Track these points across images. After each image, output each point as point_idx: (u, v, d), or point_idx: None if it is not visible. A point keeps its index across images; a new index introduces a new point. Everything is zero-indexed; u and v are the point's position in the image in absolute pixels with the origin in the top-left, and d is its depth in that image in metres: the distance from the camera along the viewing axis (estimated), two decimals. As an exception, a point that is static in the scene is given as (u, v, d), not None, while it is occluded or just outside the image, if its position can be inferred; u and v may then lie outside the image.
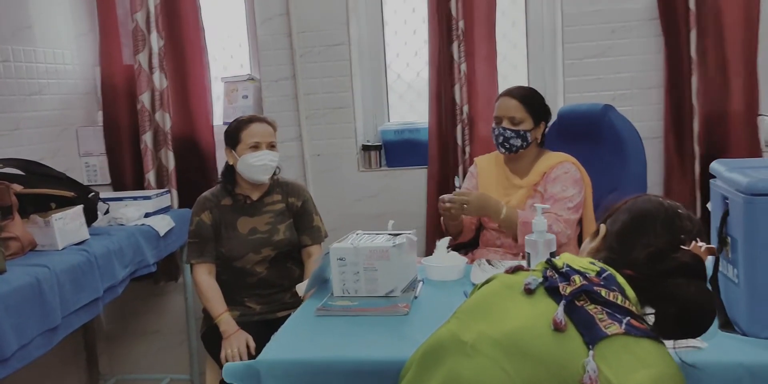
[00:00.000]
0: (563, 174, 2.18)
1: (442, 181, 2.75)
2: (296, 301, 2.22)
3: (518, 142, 2.19)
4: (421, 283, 1.75)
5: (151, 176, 2.82)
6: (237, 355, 2.05)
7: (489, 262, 1.89)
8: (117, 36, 2.88)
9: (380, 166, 2.94)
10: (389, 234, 1.79)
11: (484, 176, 2.34)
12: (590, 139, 2.39)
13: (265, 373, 1.32)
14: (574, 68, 2.70)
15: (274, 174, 2.29)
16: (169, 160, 2.83)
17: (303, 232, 2.30)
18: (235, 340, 2.09)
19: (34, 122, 2.72)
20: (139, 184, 2.88)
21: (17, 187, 2.05)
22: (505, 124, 2.19)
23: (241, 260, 2.23)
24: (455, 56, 2.67)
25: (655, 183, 2.59)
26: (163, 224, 2.54)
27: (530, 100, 2.20)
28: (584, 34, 2.67)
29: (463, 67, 2.67)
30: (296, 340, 1.48)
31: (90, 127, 3.03)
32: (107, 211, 2.53)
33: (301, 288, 1.78)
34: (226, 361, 2.05)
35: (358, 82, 2.93)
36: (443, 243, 1.89)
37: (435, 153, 2.75)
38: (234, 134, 2.25)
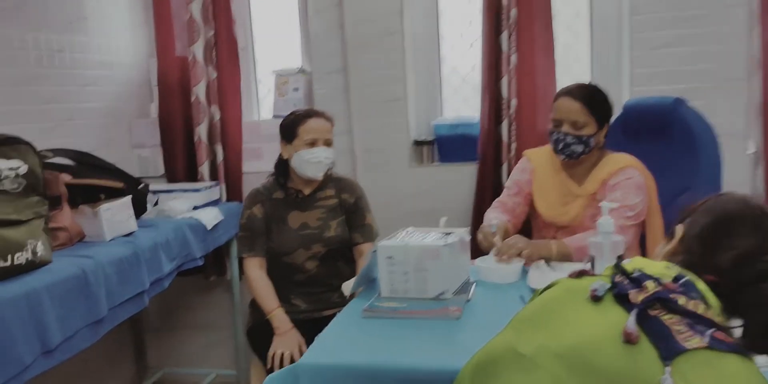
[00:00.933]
0: (625, 180, 1.96)
1: (492, 178, 2.63)
2: (344, 301, 2.14)
3: (580, 149, 1.97)
4: (474, 285, 1.64)
5: (204, 169, 2.80)
6: (288, 357, 1.99)
7: (547, 263, 1.77)
8: (171, 27, 2.86)
9: (432, 161, 2.84)
10: (441, 232, 1.69)
11: (541, 178, 2.12)
12: (658, 135, 2.23)
13: (306, 377, 1.25)
14: (642, 60, 2.53)
15: (329, 169, 2.23)
16: (219, 153, 2.80)
17: (355, 230, 2.22)
18: (289, 340, 2.03)
19: (88, 113, 2.73)
20: (193, 176, 2.86)
21: (66, 177, 2.04)
22: (566, 128, 1.97)
23: (291, 256, 2.17)
24: (504, 47, 2.54)
25: (733, 184, 2.40)
26: (210, 217, 2.51)
27: (594, 101, 1.98)
28: (654, 22, 2.50)
29: (513, 58, 2.54)
30: (341, 342, 1.40)
31: (143, 119, 3.03)
32: (156, 203, 2.51)
33: (347, 286, 1.70)
34: (273, 358, 1.99)
35: (412, 74, 2.83)
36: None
37: (484, 149, 2.64)
38: (291, 128, 2.19)
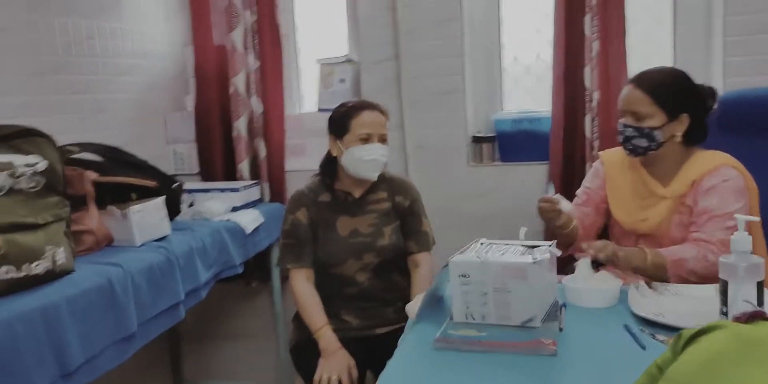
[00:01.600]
0: (722, 183, 1.67)
1: (566, 179, 2.35)
2: (400, 317, 1.90)
3: (643, 143, 1.71)
4: (563, 309, 1.38)
5: (244, 167, 2.59)
6: (335, 381, 1.75)
7: (648, 284, 1.49)
8: (209, 13, 2.65)
9: (493, 160, 2.57)
10: (522, 245, 1.43)
11: (614, 178, 1.86)
12: (764, 132, 1.93)
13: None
14: (738, 46, 2.22)
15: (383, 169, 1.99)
16: (261, 150, 2.58)
17: (410, 237, 1.97)
18: (336, 362, 1.80)
19: (120, 105, 2.53)
20: (231, 174, 2.65)
21: (93, 175, 1.83)
22: (627, 119, 1.73)
23: (340, 267, 1.93)
24: (587, 32, 2.26)
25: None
26: (249, 220, 2.28)
27: (662, 89, 1.69)
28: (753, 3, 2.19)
29: (596, 45, 2.26)
30: (409, 381, 1.15)
31: (178, 112, 2.83)
32: (192, 204, 2.30)
33: (412, 309, 1.45)
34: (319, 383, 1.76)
35: (471, 64, 2.56)
36: (587, 261, 1.51)
37: (559, 147, 2.36)
38: (342, 121, 1.94)
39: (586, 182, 1.96)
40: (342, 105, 1.99)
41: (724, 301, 1.14)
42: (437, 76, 2.52)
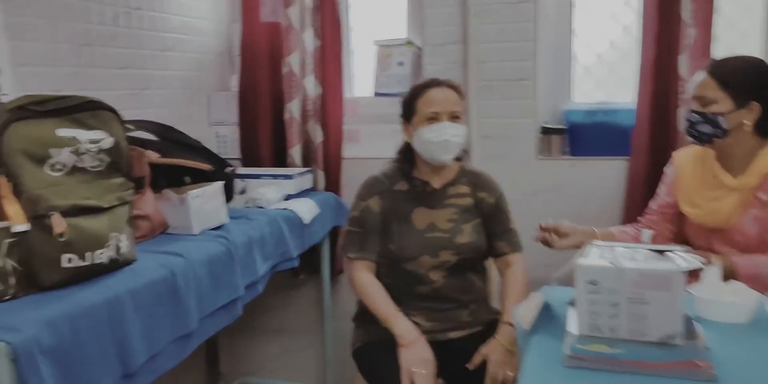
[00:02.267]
0: None
1: (651, 177, 2.18)
2: (475, 321, 1.76)
3: (707, 129, 1.64)
4: (699, 325, 1.22)
5: (295, 152, 2.42)
6: (426, 377, 1.59)
7: (783, 298, 1.33)
8: (259, -12, 2.48)
9: (562, 153, 2.41)
10: (650, 250, 1.26)
11: (684, 173, 1.79)
12: None
13: None
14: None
15: (460, 158, 1.82)
16: (317, 135, 2.41)
17: (498, 237, 1.82)
18: (419, 352, 1.63)
19: (164, 82, 2.38)
20: (279, 160, 2.48)
21: (153, 156, 1.68)
22: (694, 105, 1.68)
23: (414, 262, 1.77)
24: (684, 15, 2.08)
25: None
26: (307, 209, 2.13)
27: (731, 74, 1.63)
28: None
29: (692, 31, 2.08)
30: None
31: (223, 92, 2.66)
32: (243, 191, 2.14)
33: (525, 317, 1.29)
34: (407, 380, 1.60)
35: (543, 50, 2.39)
36: (715, 269, 1.35)
37: (644, 141, 2.19)
38: (409, 103, 1.79)
39: (659, 189, 1.90)
40: (412, 86, 1.83)
41: None
42: (507, 61, 2.35)
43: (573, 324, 1.21)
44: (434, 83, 1.78)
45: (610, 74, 2.49)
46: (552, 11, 2.43)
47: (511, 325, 1.67)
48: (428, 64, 2.45)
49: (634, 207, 2.11)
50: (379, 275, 1.83)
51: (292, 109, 2.40)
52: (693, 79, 1.71)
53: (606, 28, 2.48)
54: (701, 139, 1.69)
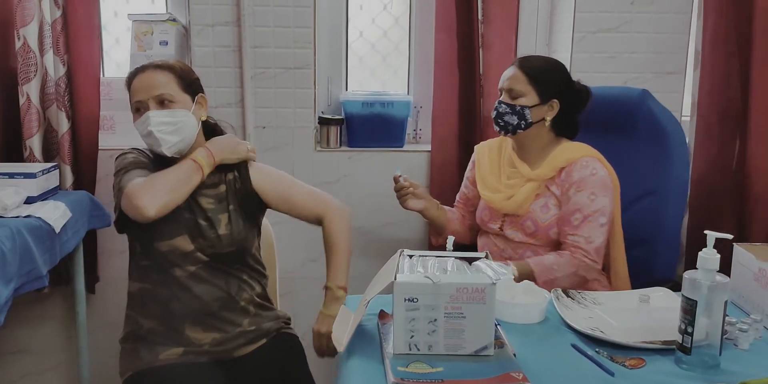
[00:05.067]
0: (590, 176, 1.74)
1: (454, 167, 2.27)
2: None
3: (514, 120, 1.78)
4: (500, 329, 1.25)
5: (34, 143, 2.01)
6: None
7: (566, 293, 1.43)
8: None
9: (340, 145, 2.36)
10: (456, 258, 1.26)
11: (484, 161, 1.93)
12: (621, 131, 2.00)
13: None
14: (584, 43, 2.29)
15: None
16: (62, 123, 2.03)
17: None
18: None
19: None
20: (14, 154, 2.05)
21: None
22: (503, 97, 1.81)
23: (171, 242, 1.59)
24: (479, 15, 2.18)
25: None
26: (57, 215, 1.78)
27: (539, 71, 1.79)
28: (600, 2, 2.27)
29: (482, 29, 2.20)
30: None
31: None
32: (-32, 195, 1.72)
33: (340, 338, 1.20)
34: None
35: (322, 35, 2.30)
36: (510, 269, 1.41)
37: (448, 132, 2.26)
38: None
39: (467, 174, 2.01)
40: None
41: (690, 321, 1.10)
42: (285, 47, 2.22)
43: (389, 342, 1.17)
44: (139, 70, 1.60)
45: (383, 64, 2.50)
46: (326, -4, 2.34)
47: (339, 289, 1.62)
48: (196, 47, 2.21)
49: (436, 197, 2.12)
50: (138, 268, 1.61)
51: (29, 91, 1.98)
52: (504, 73, 1.82)
53: (379, 19, 2.47)
54: (506, 129, 1.79)
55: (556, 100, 1.79)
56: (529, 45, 2.41)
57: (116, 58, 2.42)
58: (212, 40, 2.20)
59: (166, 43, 2.26)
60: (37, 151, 2.02)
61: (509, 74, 1.80)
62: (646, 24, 2.28)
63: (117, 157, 1.64)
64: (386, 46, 2.50)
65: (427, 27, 2.33)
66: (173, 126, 1.55)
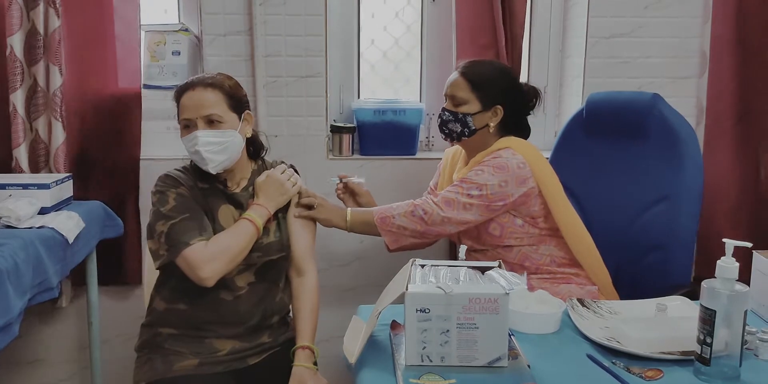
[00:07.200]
0: (491, 159, 1.73)
1: None
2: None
3: (457, 128, 1.77)
4: (514, 340, 1.23)
5: (20, 153, 2.00)
6: None
7: (582, 303, 1.41)
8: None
9: (352, 153, 2.35)
10: (468, 267, 1.25)
11: (445, 167, 1.97)
12: (633, 136, 1.97)
13: None
14: (598, 48, 2.27)
15: (259, 155, 1.71)
16: (58, 134, 2.02)
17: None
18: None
19: None
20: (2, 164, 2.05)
21: None
22: (447, 104, 1.80)
23: None
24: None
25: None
26: (71, 225, 1.79)
27: (481, 77, 1.76)
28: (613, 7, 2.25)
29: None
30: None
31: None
32: (-16, 205, 1.73)
33: (351, 349, 1.19)
34: None
35: (333, 43, 2.30)
36: (523, 278, 1.39)
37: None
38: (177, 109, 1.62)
39: (433, 180, 2.04)
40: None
41: (709, 331, 1.08)
42: (298, 56, 2.22)
43: (401, 353, 1.15)
44: (188, 86, 1.58)
45: (396, 72, 2.49)
46: (337, 4, 2.34)
47: (308, 348, 1.57)
48: (209, 56, 2.21)
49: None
50: (174, 290, 1.60)
51: (15, 101, 1.96)
52: (448, 79, 1.80)
53: (391, 27, 2.47)
54: (451, 136, 1.79)
55: (499, 106, 1.76)
56: (542, 50, 2.40)
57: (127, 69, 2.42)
58: (224, 50, 2.21)
59: (179, 53, 2.28)
60: (24, 162, 2.01)
61: (452, 80, 1.79)
62: (660, 28, 2.26)
63: (155, 187, 1.60)
64: (398, 53, 2.49)
65: (438, 34, 2.31)
66: (220, 146, 1.55)
